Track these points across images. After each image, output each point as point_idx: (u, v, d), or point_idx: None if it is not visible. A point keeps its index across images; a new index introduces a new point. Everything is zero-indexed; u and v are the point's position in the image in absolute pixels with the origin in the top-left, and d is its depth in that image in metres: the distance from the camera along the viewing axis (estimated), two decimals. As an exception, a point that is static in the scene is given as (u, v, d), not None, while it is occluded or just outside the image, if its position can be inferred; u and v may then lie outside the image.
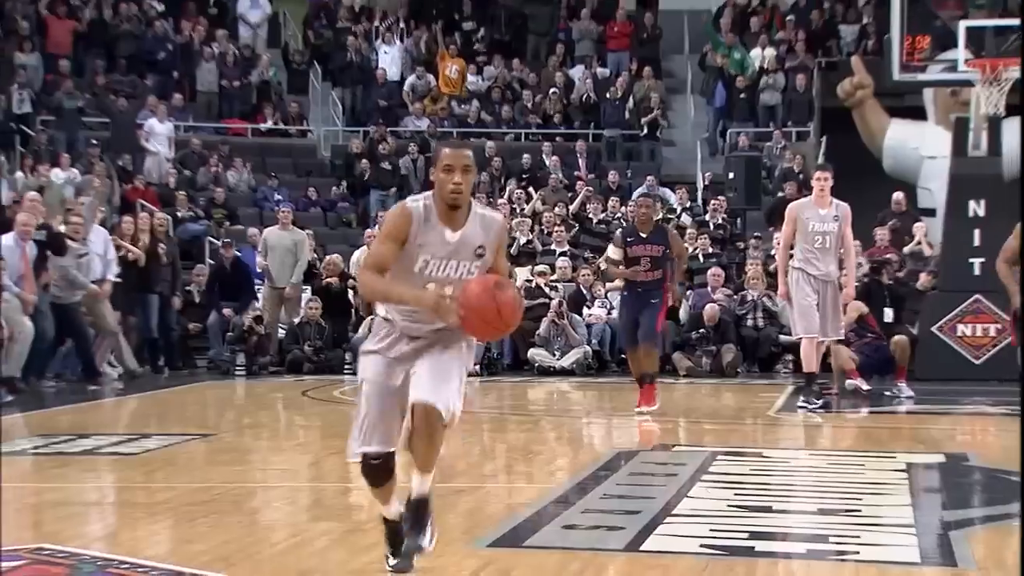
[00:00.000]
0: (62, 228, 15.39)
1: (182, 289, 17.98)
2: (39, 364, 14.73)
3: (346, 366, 16.75)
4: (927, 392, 14.65)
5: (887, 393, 14.36)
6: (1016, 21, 17.02)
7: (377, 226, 16.61)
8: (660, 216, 14.60)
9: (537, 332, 17.10)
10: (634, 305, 12.55)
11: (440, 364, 4.85)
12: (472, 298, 4.67)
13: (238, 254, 18.39)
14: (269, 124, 24.20)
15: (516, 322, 4.95)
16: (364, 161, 22.78)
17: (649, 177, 21.68)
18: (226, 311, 17.82)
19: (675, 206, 20.68)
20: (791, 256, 12.42)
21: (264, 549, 6.40)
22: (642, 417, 12.06)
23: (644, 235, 12.49)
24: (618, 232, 14.02)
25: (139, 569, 5.70)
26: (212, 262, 18.91)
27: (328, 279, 18.05)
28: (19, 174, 18.39)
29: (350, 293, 17.76)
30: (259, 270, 18.01)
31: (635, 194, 19.86)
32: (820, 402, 12.45)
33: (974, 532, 6.79)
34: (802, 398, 12.65)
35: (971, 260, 16.00)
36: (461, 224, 4.83)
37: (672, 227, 15.68)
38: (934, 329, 16.03)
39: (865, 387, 14.03)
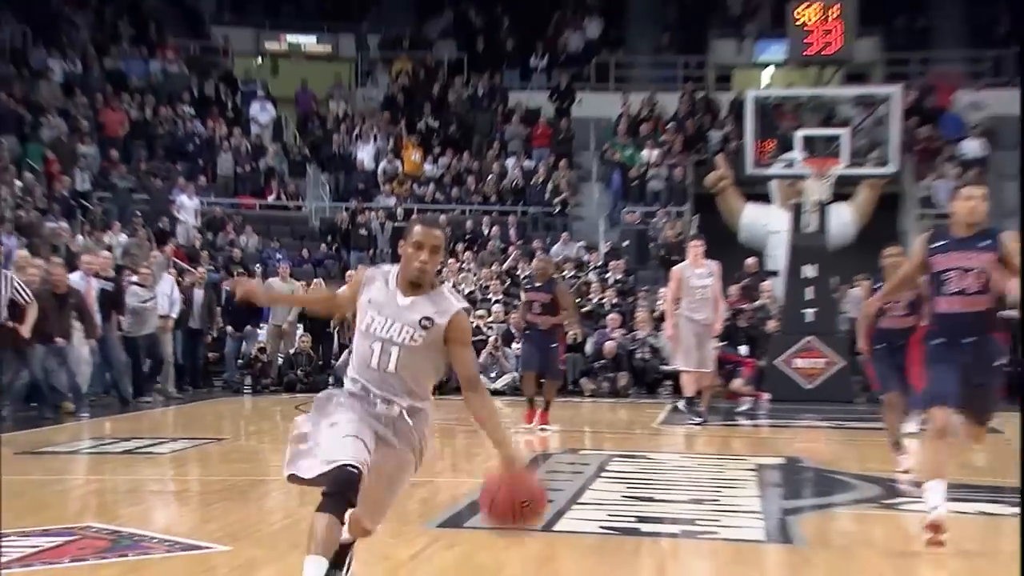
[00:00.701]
0: (133, 278, 15.51)
1: (215, 325, 18.37)
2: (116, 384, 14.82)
3: (330, 386, 16.77)
4: (773, 410, 14.92)
5: (743, 409, 14.61)
6: (837, 131, 17.51)
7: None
8: (553, 271, 13.68)
9: (478, 361, 17.25)
10: (536, 342, 12.11)
11: (389, 486, 4.14)
12: (499, 507, 4.05)
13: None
14: (272, 200, 24.25)
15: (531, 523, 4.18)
16: (346, 228, 23.11)
17: (564, 234, 22.08)
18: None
19: (587, 262, 20.87)
20: (677, 306, 12.44)
21: (264, 528, 6.40)
22: (545, 432, 11.74)
23: (538, 284, 12.27)
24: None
25: (165, 543, 5.67)
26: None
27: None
28: (79, 237, 18.35)
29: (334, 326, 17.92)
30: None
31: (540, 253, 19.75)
32: (698, 419, 12.46)
33: (806, 518, 6.92)
34: (686, 411, 12.72)
35: (804, 310, 16.44)
36: (417, 294, 4.01)
37: (564, 282, 15.75)
38: (777, 362, 16.24)
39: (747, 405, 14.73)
